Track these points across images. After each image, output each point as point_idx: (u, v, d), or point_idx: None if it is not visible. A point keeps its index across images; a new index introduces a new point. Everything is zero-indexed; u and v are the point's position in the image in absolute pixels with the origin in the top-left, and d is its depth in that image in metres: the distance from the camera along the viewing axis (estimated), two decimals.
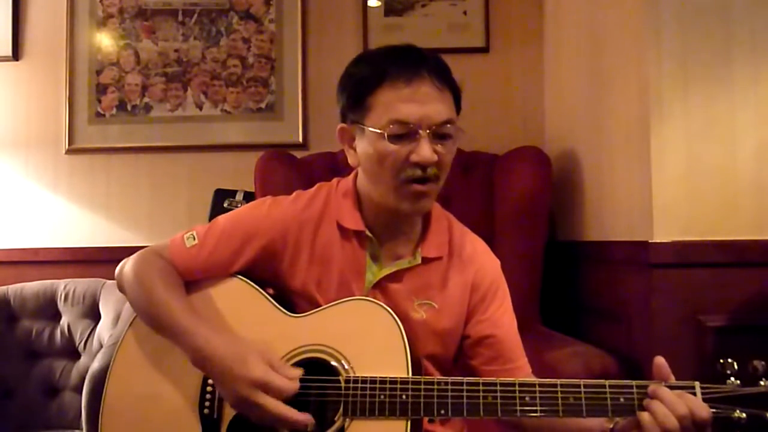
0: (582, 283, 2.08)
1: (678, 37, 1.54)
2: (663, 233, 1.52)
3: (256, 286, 1.15)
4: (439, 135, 1.05)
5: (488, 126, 2.46)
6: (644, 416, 0.91)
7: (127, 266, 1.16)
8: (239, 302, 1.14)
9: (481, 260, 1.20)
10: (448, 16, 2.49)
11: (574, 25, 2.17)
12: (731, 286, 1.50)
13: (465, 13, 2.49)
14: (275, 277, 1.17)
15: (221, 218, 1.19)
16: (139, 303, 1.13)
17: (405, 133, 1.04)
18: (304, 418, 0.99)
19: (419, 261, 1.14)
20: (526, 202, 2.05)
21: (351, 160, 1.14)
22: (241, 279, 1.16)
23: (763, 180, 1.53)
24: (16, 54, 2.53)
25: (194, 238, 1.16)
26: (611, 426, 0.99)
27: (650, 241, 1.53)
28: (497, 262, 1.23)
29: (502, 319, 1.19)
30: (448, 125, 1.06)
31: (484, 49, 2.49)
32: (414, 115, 1.03)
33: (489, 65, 2.50)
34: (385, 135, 1.04)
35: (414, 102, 1.03)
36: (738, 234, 1.52)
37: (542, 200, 2.07)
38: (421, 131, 1.03)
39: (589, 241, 2.01)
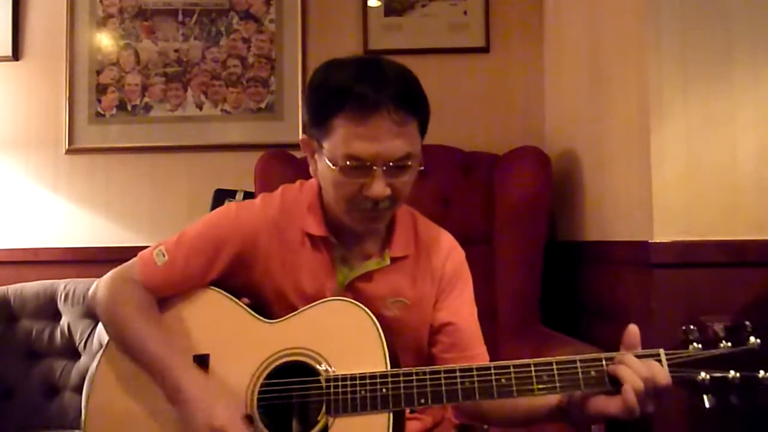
0: (582, 283, 2.07)
1: (678, 37, 1.54)
2: (663, 233, 1.52)
3: (231, 296, 1.14)
4: (395, 168, 1.04)
5: (488, 126, 2.46)
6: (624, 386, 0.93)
7: (99, 293, 1.15)
8: (215, 314, 1.14)
9: (445, 252, 1.21)
10: (448, 16, 2.49)
11: (574, 25, 2.17)
12: (731, 286, 1.50)
13: (465, 13, 2.49)
14: (249, 285, 1.16)
15: (189, 230, 1.17)
16: (114, 332, 1.13)
17: (359, 167, 1.03)
18: None
19: (388, 262, 1.15)
20: (526, 202, 2.05)
21: (312, 170, 1.14)
22: (216, 290, 1.15)
23: (763, 180, 1.52)
24: (16, 54, 2.53)
25: (164, 255, 1.14)
26: (566, 401, 1.03)
27: (650, 241, 1.53)
28: (462, 254, 1.24)
29: (461, 307, 1.20)
30: (407, 159, 1.04)
31: (484, 49, 2.49)
32: (368, 152, 1.01)
33: (489, 65, 2.49)
34: (338, 168, 1.03)
35: (369, 140, 1.01)
36: (738, 234, 1.52)
37: (542, 200, 2.07)
38: (375, 168, 1.02)
39: (589, 241, 2.01)
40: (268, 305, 1.16)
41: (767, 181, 1.52)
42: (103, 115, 2.52)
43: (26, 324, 2.17)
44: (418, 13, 2.50)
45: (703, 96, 1.53)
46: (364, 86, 1.01)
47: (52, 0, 2.53)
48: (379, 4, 2.50)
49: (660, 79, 1.54)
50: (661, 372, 0.93)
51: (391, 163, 1.03)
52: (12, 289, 2.20)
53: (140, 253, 1.17)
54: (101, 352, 1.16)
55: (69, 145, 2.50)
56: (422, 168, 1.09)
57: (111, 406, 1.11)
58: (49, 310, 2.18)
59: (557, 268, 2.14)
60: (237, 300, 1.15)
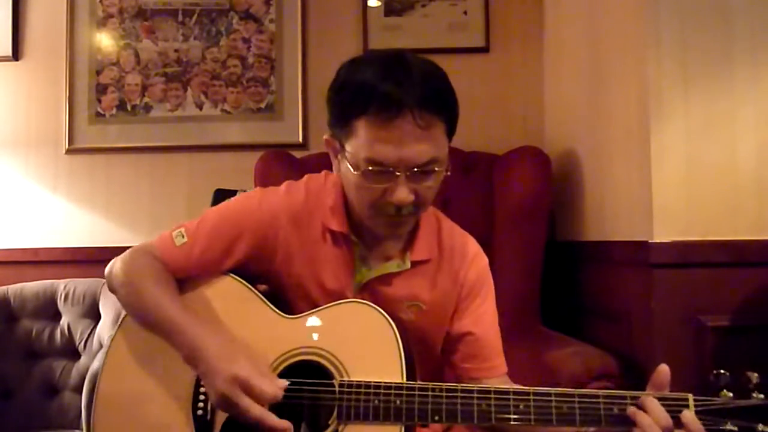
0: (582, 283, 2.07)
1: (678, 37, 1.54)
2: (663, 233, 1.52)
3: (249, 286, 1.13)
4: (419, 173, 1.00)
5: (488, 126, 2.46)
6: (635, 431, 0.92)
7: (116, 266, 1.14)
8: (232, 303, 1.12)
9: (469, 258, 1.18)
10: (448, 16, 2.49)
11: (574, 25, 2.17)
12: (731, 286, 1.50)
13: (465, 13, 2.49)
14: (269, 273, 1.15)
15: (210, 213, 1.16)
16: (131, 302, 1.12)
17: (381, 171, 0.99)
18: (282, 425, 0.96)
19: (408, 266, 1.13)
20: (526, 202, 2.05)
21: (335, 170, 1.12)
22: (234, 278, 1.14)
23: (763, 180, 1.53)
24: (16, 54, 2.53)
25: (183, 236, 1.13)
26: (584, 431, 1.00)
27: (650, 241, 1.53)
28: (485, 260, 1.21)
29: (482, 317, 1.18)
30: (432, 164, 1.00)
31: (484, 49, 2.49)
32: (391, 158, 0.97)
33: (489, 65, 2.49)
34: (361, 171, 1.00)
35: (392, 144, 0.97)
36: (738, 234, 1.52)
37: (542, 200, 2.07)
38: (398, 173, 0.99)
39: (589, 241, 2.01)
40: (286, 295, 1.15)
41: (767, 181, 1.52)
42: (103, 115, 2.52)
43: (26, 324, 2.17)
44: (418, 13, 2.49)
45: (703, 96, 1.53)
46: (387, 86, 0.96)
47: (52, 0, 2.53)
48: (379, 4, 2.50)
49: (660, 79, 1.54)
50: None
51: (415, 169, 0.99)
52: (12, 289, 2.20)
53: (160, 234, 1.16)
54: (114, 333, 1.15)
55: (69, 145, 2.50)
56: (449, 173, 1.04)
57: (125, 386, 1.11)
58: (49, 310, 2.18)
59: (557, 268, 2.14)
60: (255, 290, 1.13)
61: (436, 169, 1.01)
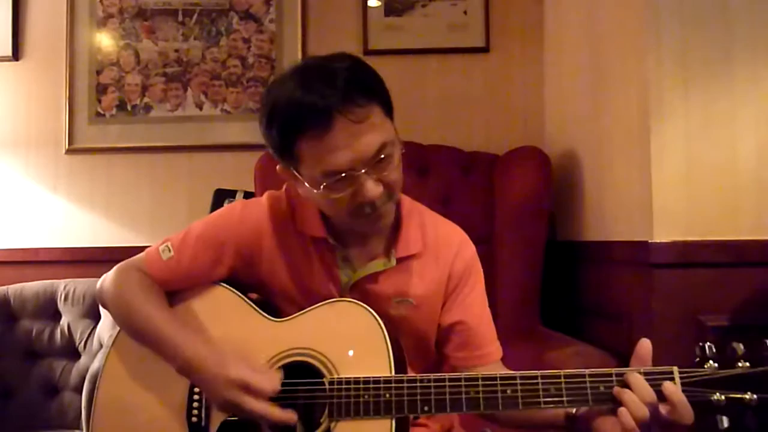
0: (582, 283, 2.08)
1: (678, 37, 1.54)
2: (663, 233, 1.52)
3: (238, 293, 1.15)
4: (377, 163, 1.00)
5: (488, 126, 2.46)
6: (620, 409, 0.92)
7: (106, 281, 1.16)
8: (222, 310, 1.14)
9: (455, 248, 1.18)
10: (448, 16, 2.49)
11: (574, 24, 2.17)
12: (731, 286, 1.50)
13: (465, 12, 2.49)
14: (257, 282, 1.17)
15: (194, 227, 1.17)
16: (122, 316, 1.14)
17: (342, 179, 0.99)
18: (288, 416, 0.99)
19: (394, 263, 1.13)
20: (526, 202, 2.05)
21: (299, 192, 1.11)
22: (224, 286, 1.15)
23: (763, 180, 1.53)
24: (16, 54, 2.53)
25: (170, 250, 1.14)
26: (574, 411, 1.01)
27: (650, 241, 1.53)
28: (471, 248, 1.21)
29: (472, 305, 1.18)
30: (384, 149, 1.00)
31: (484, 49, 2.49)
32: (344, 161, 0.97)
33: (489, 65, 2.49)
34: (322, 187, 1.00)
35: (339, 149, 0.96)
36: (738, 234, 1.52)
37: (542, 200, 2.07)
38: (359, 172, 0.98)
39: (589, 241, 2.01)
40: (275, 302, 1.16)
41: (767, 182, 1.53)
42: (103, 115, 2.52)
43: (26, 324, 2.17)
44: (418, 13, 2.49)
45: (703, 96, 1.53)
46: (310, 98, 0.96)
47: (52, 0, 2.53)
48: (379, 4, 2.50)
49: (660, 79, 1.54)
50: (681, 405, 0.90)
51: (370, 162, 0.99)
52: (12, 289, 2.21)
53: (146, 249, 1.17)
54: (110, 343, 1.17)
55: (69, 145, 2.50)
56: (403, 151, 1.04)
57: (121, 395, 1.12)
58: (49, 310, 2.18)
59: (557, 268, 2.14)
60: (244, 296, 1.14)
61: (390, 152, 1.01)
